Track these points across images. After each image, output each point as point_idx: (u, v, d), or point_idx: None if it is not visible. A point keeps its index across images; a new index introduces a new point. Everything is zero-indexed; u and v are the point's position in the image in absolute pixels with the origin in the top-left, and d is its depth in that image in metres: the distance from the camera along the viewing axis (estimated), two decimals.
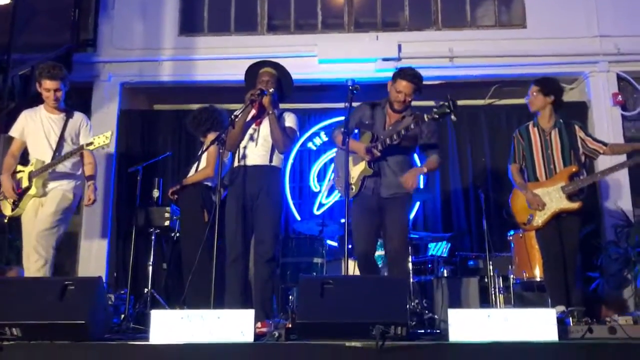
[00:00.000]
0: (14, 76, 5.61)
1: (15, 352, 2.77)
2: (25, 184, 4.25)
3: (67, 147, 4.33)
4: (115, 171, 6.50)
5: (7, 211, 4.33)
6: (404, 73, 4.11)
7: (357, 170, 4.07)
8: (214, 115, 4.92)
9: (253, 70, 4.26)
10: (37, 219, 4.19)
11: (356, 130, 4.17)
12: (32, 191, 4.23)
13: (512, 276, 5.05)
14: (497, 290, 5.08)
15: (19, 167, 4.34)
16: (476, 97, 7.14)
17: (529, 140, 4.38)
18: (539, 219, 4.20)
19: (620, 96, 6.49)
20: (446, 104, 3.79)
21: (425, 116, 3.84)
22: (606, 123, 6.43)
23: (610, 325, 3.14)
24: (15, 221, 5.73)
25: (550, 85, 4.40)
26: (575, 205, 4.15)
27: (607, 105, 6.50)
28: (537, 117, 4.39)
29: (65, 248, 4.36)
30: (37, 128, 4.32)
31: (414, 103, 4.04)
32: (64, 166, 4.30)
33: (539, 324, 2.80)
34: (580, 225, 4.26)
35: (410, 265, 4.95)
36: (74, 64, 6.35)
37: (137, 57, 6.75)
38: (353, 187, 4.07)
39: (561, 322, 3.06)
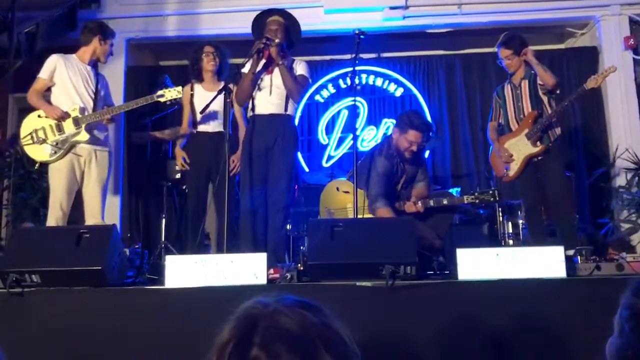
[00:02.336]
0: (19, 34, 5.56)
1: (35, 298, 2.86)
2: (70, 129, 4.15)
3: (100, 101, 4.34)
4: (124, 127, 6.50)
5: (43, 156, 4.10)
6: (413, 122, 4.10)
7: None
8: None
9: (261, 21, 4.21)
10: (91, 188, 4.19)
11: None
12: (82, 137, 4.12)
13: (521, 221, 5.07)
14: (506, 236, 5.12)
15: None
16: (486, 45, 6.99)
17: (504, 98, 4.46)
18: (512, 170, 4.32)
19: (632, 40, 6.32)
20: (491, 194, 4.01)
21: (465, 198, 4.11)
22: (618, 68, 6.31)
23: (618, 263, 3.17)
24: (28, 180, 5.86)
25: (517, 43, 4.41)
26: (538, 148, 4.19)
27: (619, 49, 6.34)
28: (511, 75, 4.45)
29: (79, 206, 4.35)
30: (75, 74, 4.26)
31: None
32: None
33: (547, 262, 2.83)
34: (562, 168, 4.32)
35: None
36: (78, 21, 6.28)
37: (141, 12, 6.66)
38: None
39: (569, 260, 3.10)
